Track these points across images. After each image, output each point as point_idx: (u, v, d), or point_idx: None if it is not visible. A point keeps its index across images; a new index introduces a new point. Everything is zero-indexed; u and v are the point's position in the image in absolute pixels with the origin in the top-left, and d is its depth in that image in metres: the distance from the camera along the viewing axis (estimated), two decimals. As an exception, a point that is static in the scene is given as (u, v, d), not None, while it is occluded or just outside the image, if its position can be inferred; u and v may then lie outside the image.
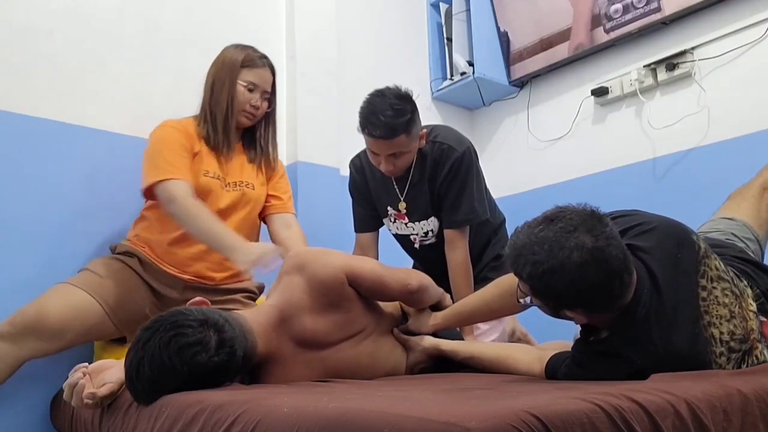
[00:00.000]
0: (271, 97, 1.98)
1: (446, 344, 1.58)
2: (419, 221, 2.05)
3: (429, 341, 1.58)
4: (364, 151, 2.05)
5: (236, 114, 1.91)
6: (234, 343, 1.18)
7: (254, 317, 1.31)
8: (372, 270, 1.51)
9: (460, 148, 1.95)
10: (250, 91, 1.91)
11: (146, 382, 1.12)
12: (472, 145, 2.01)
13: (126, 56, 2.22)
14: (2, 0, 1.99)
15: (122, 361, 1.35)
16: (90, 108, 2.11)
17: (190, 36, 2.38)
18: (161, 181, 1.75)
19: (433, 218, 2.03)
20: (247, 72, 1.91)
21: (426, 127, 1.98)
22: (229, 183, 1.91)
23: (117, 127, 2.14)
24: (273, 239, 2.00)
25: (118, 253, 1.87)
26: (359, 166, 2.13)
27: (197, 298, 1.34)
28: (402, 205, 2.04)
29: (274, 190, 2.05)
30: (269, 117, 2.02)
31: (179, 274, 1.86)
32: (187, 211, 1.73)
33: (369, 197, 2.13)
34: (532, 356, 1.40)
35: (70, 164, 2.03)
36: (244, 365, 1.24)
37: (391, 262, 2.15)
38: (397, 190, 2.04)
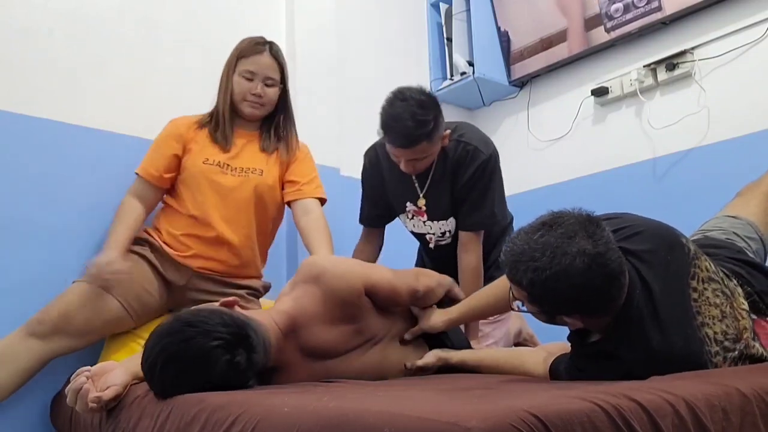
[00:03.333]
0: (276, 82, 1.97)
1: (455, 357, 1.58)
2: (438, 221, 2.00)
3: (437, 355, 1.58)
4: (380, 142, 1.97)
5: (238, 105, 1.95)
6: (260, 362, 1.21)
7: (270, 324, 1.32)
8: (388, 281, 1.53)
9: (486, 151, 1.89)
10: (249, 80, 1.92)
11: (165, 386, 1.15)
12: (495, 147, 1.95)
13: (126, 56, 2.22)
14: (2, 0, 1.99)
15: (124, 362, 1.35)
16: (90, 108, 2.10)
17: (190, 36, 2.38)
18: (138, 173, 1.93)
19: (452, 219, 1.98)
20: (244, 62, 1.93)
21: (449, 125, 1.91)
22: (235, 169, 1.93)
23: (117, 127, 2.14)
24: (296, 227, 2.01)
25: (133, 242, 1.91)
26: (374, 157, 2.04)
27: (230, 299, 1.36)
28: (422, 201, 1.98)
29: (292, 175, 2.02)
30: (284, 104, 2.02)
31: (188, 262, 1.89)
32: (120, 206, 1.88)
33: (382, 191, 2.06)
34: (538, 358, 1.39)
35: (70, 164, 2.02)
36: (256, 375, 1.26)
37: (396, 259, 2.17)
38: (417, 185, 1.97)
